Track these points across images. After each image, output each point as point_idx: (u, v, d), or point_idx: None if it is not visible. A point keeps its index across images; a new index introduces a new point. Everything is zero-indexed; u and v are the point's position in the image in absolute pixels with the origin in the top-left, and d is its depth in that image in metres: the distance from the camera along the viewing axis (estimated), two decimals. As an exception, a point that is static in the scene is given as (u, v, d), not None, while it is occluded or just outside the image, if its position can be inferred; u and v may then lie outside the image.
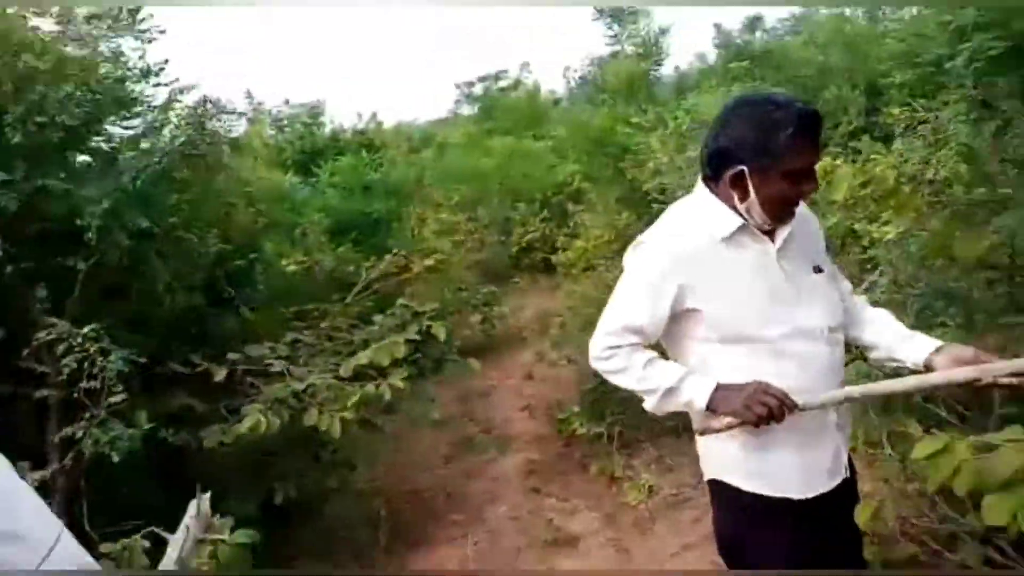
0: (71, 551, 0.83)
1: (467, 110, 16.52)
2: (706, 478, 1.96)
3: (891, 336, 1.88)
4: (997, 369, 1.60)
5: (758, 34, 9.35)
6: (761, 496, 1.82)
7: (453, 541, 3.48)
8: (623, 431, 4.01)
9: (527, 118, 13.05)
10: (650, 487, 3.55)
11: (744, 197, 1.71)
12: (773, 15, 9.44)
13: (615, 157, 7.58)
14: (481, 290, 5.92)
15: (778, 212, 1.74)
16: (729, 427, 1.74)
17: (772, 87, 6.65)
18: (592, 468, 3.87)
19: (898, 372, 2.01)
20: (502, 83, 15.69)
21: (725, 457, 1.86)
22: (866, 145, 3.30)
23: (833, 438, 1.83)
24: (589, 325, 4.60)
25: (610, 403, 4.16)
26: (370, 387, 3.03)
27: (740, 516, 1.88)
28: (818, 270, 1.85)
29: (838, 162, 2.84)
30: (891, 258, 3.10)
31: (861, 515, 1.97)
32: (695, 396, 1.74)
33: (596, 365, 1.89)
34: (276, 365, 3.07)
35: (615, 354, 1.83)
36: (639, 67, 7.41)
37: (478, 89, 15.43)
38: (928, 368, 1.74)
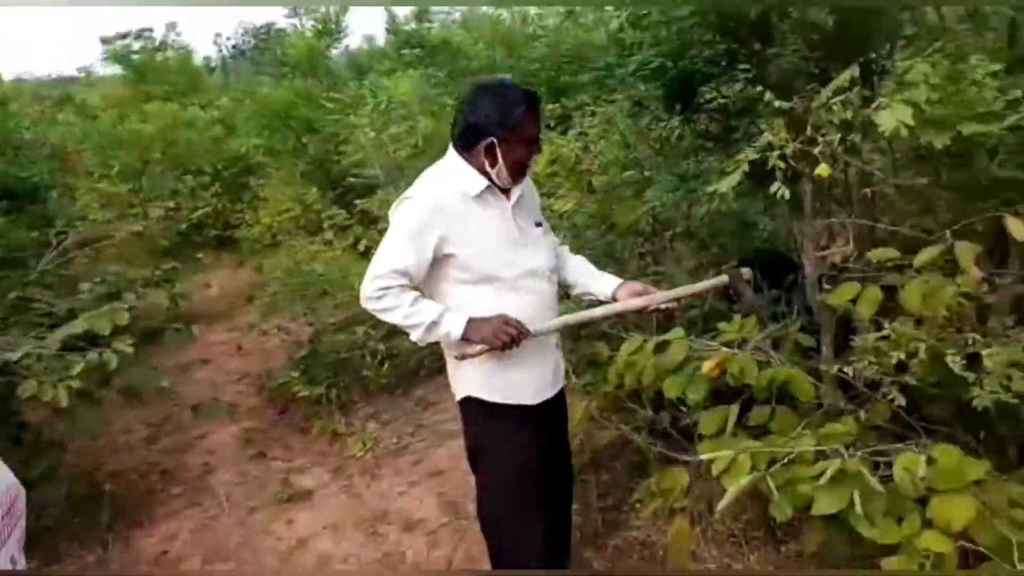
0: None
1: (105, 69, 14.62)
2: (458, 398, 2.39)
3: (587, 275, 2.48)
4: (660, 298, 2.25)
5: (426, 25, 10.01)
6: (504, 405, 2.30)
7: (179, 513, 3.40)
8: (339, 393, 4.24)
9: (184, 84, 12.13)
10: (374, 439, 3.85)
11: (494, 163, 2.16)
12: (439, 9, 10.21)
13: (298, 132, 7.60)
14: (162, 265, 5.56)
15: (518, 173, 2.24)
16: (481, 352, 2.18)
17: (447, 76, 7.30)
18: (314, 429, 4.04)
19: (591, 304, 2.62)
20: (145, 43, 14.23)
21: (476, 377, 2.30)
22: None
23: (554, 356, 2.40)
24: (298, 296, 4.72)
25: (325, 367, 4.37)
26: (93, 355, 2.83)
27: (488, 423, 2.34)
28: (538, 224, 2.39)
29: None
30: (566, 226, 3.81)
31: (576, 415, 2.55)
32: (452, 328, 2.15)
33: (368, 304, 2.19)
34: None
35: (386, 294, 2.16)
36: (319, 43, 7.47)
37: (118, 47, 13.76)
38: (614, 299, 2.36)
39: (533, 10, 9.10)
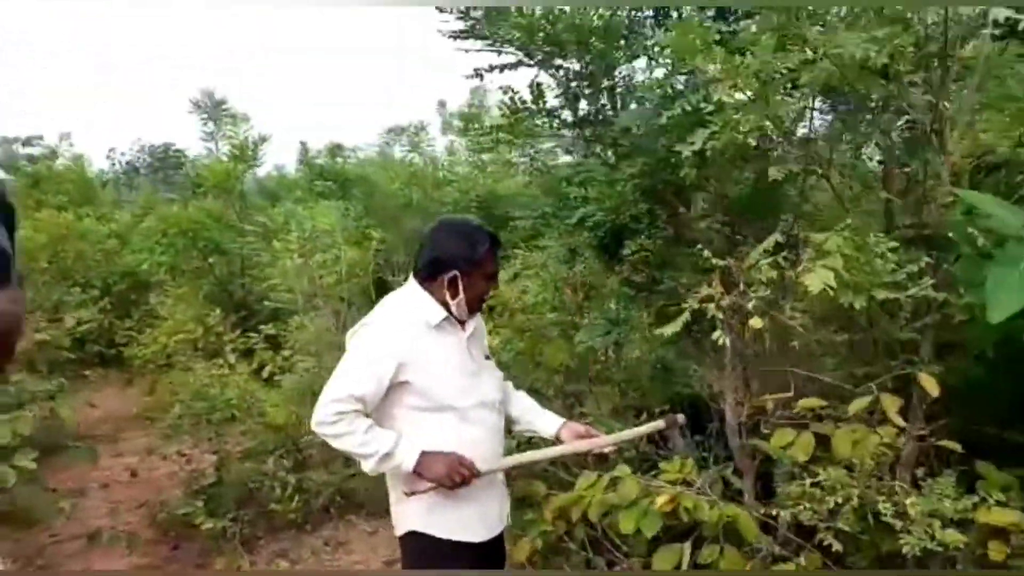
0: None
1: (-6, 173, 14.03)
2: (401, 532, 2.35)
3: (531, 411, 2.56)
4: (602, 442, 2.35)
5: (339, 160, 10.32)
6: (452, 541, 2.27)
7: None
8: (243, 527, 3.98)
9: (78, 195, 11.73)
10: (276, 580, 3.61)
11: (455, 295, 2.27)
12: (351, 144, 10.59)
13: (204, 252, 7.48)
14: (51, 380, 5.17)
15: (476, 305, 2.36)
16: (429, 489, 2.19)
17: (363, 209, 7.48)
18: (217, 565, 3.74)
19: (531, 440, 2.69)
20: (35, 149, 13.80)
21: (423, 511, 2.28)
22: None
23: (501, 491, 2.42)
24: (204, 420, 4.50)
25: (229, 499, 4.11)
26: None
27: (434, 560, 2.30)
28: (487, 357, 2.48)
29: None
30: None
31: (518, 555, 2.54)
32: (405, 460, 2.17)
33: (321, 429, 2.18)
34: None
35: (341, 419, 2.16)
36: (236, 168, 7.54)
37: (7, 151, 13.23)
38: (557, 439, 2.44)
39: (444, 156, 9.63)
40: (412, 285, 2.32)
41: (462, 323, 2.35)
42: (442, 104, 8.68)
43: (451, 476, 2.16)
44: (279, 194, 10.02)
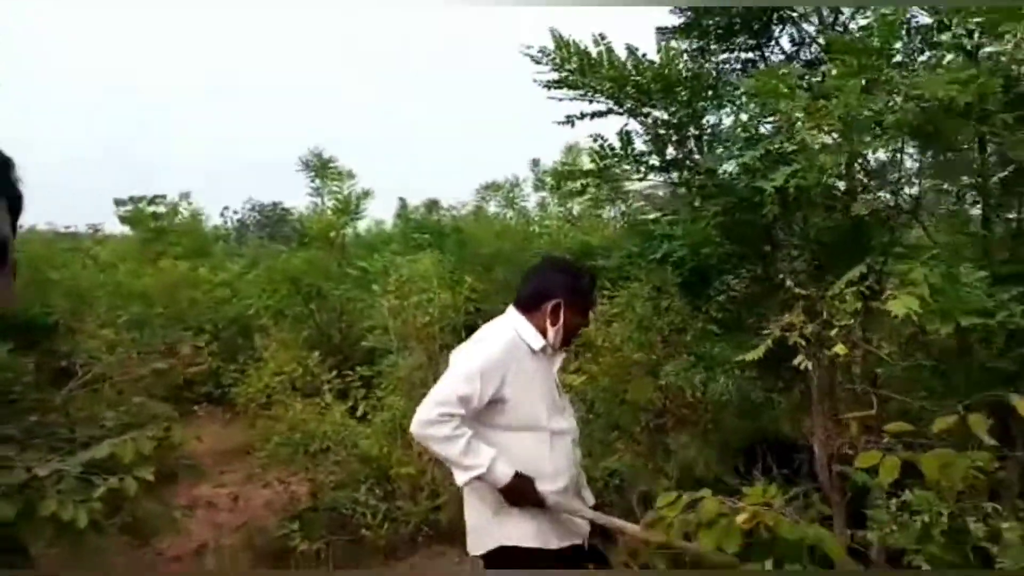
0: None
1: (115, 228, 15.20)
2: (483, 551, 2.42)
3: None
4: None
5: (435, 215, 10.78)
6: (536, 549, 2.36)
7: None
8: (335, 551, 4.15)
9: (194, 248, 12.64)
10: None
11: (555, 322, 2.42)
12: (448, 199, 11.06)
13: (306, 297, 7.93)
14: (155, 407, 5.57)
15: (570, 338, 2.50)
16: None
17: (456, 260, 7.78)
18: (310, 587, 3.91)
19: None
20: (158, 207, 14.97)
21: (509, 526, 2.37)
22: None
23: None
24: (300, 450, 4.72)
25: (322, 525, 4.30)
26: (114, 480, 2.85)
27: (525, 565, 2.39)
28: (565, 392, 2.61)
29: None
30: (579, 399, 4.01)
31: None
32: (498, 479, 2.26)
33: (425, 430, 2.26)
34: None
35: (448, 421, 2.27)
36: (339, 220, 8.04)
37: (124, 211, 14.35)
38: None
39: (536, 211, 9.93)
40: (513, 313, 2.47)
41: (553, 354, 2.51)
42: (535, 162, 9.03)
43: (531, 502, 2.28)
44: (376, 246, 10.50)
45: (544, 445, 2.40)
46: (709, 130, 2.91)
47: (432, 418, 2.22)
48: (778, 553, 2.29)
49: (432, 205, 10.75)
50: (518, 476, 2.28)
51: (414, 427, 2.27)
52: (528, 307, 2.42)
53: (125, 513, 3.20)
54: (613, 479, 3.40)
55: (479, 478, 2.27)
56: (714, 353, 3.17)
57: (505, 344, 2.34)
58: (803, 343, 2.23)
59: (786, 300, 3.07)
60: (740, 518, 2.13)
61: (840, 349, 2.17)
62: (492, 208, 10.04)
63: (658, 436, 3.62)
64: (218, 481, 5.86)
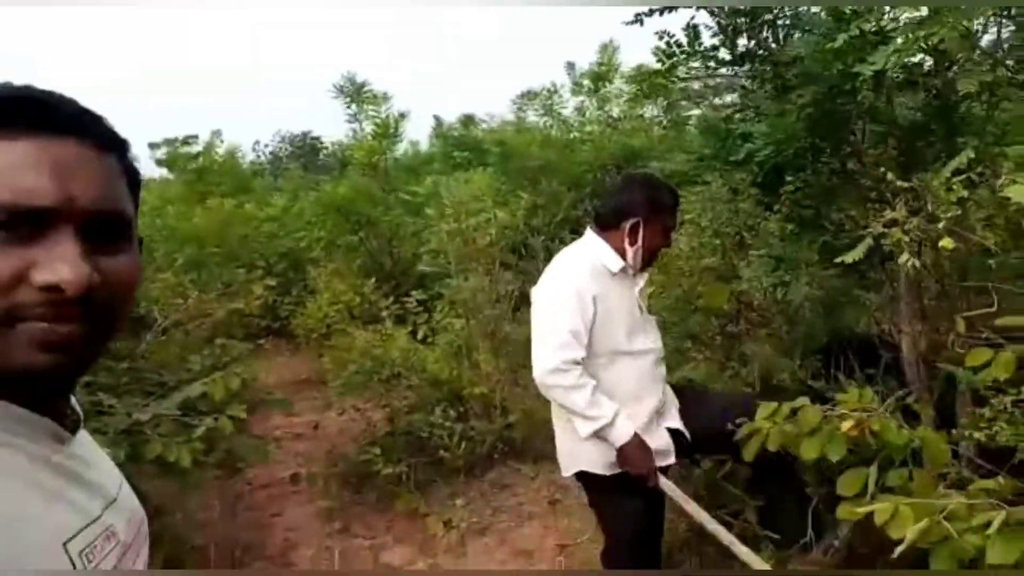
0: None
1: (152, 171, 15.32)
2: (572, 472, 2.46)
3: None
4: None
5: (473, 129, 10.56)
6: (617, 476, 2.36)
7: (268, 587, 3.39)
8: (417, 472, 4.27)
9: (235, 185, 12.68)
10: (450, 519, 3.84)
11: (634, 242, 2.34)
12: (488, 116, 10.80)
13: (356, 226, 7.92)
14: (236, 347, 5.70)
15: (650, 258, 2.43)
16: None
17: (500, 175, 7.64)
18: (396, 507, 4.04)
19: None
20: (192, 148, 14.97)
21: (595, 453, 2.38)
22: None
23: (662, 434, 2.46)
24: (374, 378, 4.77)
25: (402, 448, 4.41)
26: (210, 419, 2.93)
27: (608, 494, 2.44)
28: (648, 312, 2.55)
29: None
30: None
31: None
32: (619, 437, 2.25)
33: (550, 379, 2.24)
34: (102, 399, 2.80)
35: (571, 369, 2.24)
36: (380, 145, 7.92)
37: (160, 154, 14.38)
38: None
39: (574, 117, 9.63)
40: (590, 235, 2.42)
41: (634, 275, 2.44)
42: (571, 66, 8.65)
43: (640, 472, 2.26)
44: (416, 168, 10.38)
45: (626, 368, 2.38)
46: (787, 15, 2.70)
47: (556, 366, 2.19)
48: (883, 458, 2.26)
49: (468, 121, 10.50)
50: (637, 437, 2.26)
51: (538, 376, 2.25)
52: (606, 226, 2.37)
53: (219, 450, 3.30)
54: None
55: (600, 433, 2.25)
56: (795, 255, 3.05)
57: (588, 270, 2.30)
58: (907, 239, 2.11)
59: (869, 195, 2.93)
60: (845, 425, 2.08)
61: (947, 243, 2.05)
62: (531, 118, 9.74)
63: (733, 342, 3.56)
64: (292, 412, 6.04)
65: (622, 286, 2.37)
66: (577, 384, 2.20)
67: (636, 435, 2.25)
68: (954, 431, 2.30)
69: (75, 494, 0.72)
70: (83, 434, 0.80)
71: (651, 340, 2.49)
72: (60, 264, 0.65)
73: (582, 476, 2.46)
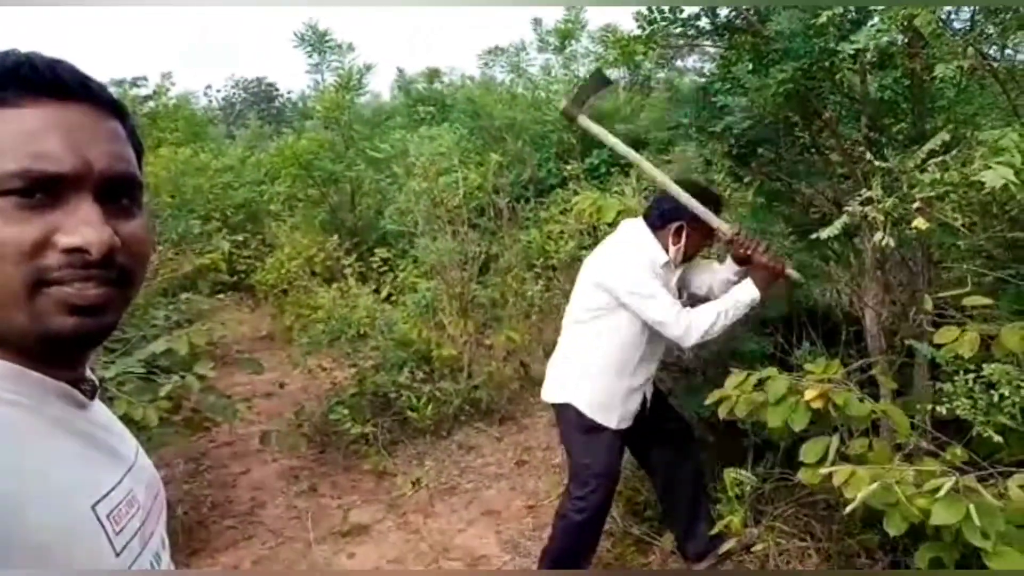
0: None
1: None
2: (558, 401, 2.76)
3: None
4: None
5: (437, 84, 10.35)
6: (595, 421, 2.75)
7: (237, 544, 3.39)
8: (383, 432, 4.28)
9: (189, 132, 12.26)
10: (423, 479, 3.88)
11: (677, 242, 2.66)
12: (450, 69, 10.59)
13: (318, 181, 7.76)
14: (202, 301, 5.57)
15: (689, 257, 2.73)
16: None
17: (465, 131, 7.53)
18: (364, 466, 4.06)
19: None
20: (141, 91, 14.38)
21: (581, 390, 2.71)
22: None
23: (642, 394, 2.69)
24: (338, 340, 4.71)
25: (368, 408, 4.42)
26: (176, 378, 2.89)
27: (579, 431, 2.74)
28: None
29: (595, 194, 3.69)
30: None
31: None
32: (751, 295, 2.58)
33: (695, 338, 2.56)
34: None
35: (693, 323, 2.56)
36: (344, 98, 7.72)
37: (117, 92, 13.75)
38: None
39: (540, 75, 9.52)
40: (642, 228, 2.68)
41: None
42: (537, 22, 8.47)
43: (778, 273, 2.62)
44: (377, 122, 10.17)
45: (659, 342, 2.70)
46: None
47: (685, 327, 2.50)
48: (844, 428, 2.36)
49: (433, 74, 10.28)
50: (754, 279, 2.60)
51: (688, 345, 2.59)
52: (655, 225, 2.65)
53: (186, 409, 3.27)
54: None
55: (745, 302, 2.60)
56: (764, 227, 3.11)
57: (648, 255, 2.60)
58: (882, 218, 2.17)
59: (839, 171, 2.99)
60: (809, 395, 2.16)
61: (920, 224, 2.11)
62: (497, 74, 9.60)
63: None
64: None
65: (666, 276, 2.67)
66: (711, 321, 2.52)
67: (752, 275, 2.60)
68: (918, 405, 2.41)
69: (99, 458, 0.73)
70: (98, 402, 0.80)
71: None
72: (84, 227, 0.65)
73: (564, 408, 2.70)
